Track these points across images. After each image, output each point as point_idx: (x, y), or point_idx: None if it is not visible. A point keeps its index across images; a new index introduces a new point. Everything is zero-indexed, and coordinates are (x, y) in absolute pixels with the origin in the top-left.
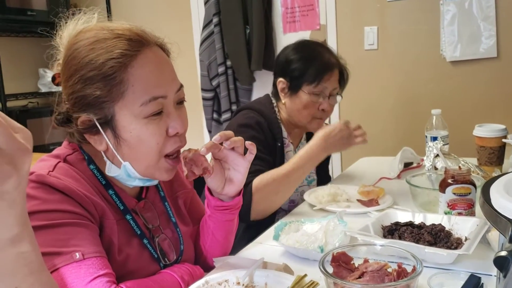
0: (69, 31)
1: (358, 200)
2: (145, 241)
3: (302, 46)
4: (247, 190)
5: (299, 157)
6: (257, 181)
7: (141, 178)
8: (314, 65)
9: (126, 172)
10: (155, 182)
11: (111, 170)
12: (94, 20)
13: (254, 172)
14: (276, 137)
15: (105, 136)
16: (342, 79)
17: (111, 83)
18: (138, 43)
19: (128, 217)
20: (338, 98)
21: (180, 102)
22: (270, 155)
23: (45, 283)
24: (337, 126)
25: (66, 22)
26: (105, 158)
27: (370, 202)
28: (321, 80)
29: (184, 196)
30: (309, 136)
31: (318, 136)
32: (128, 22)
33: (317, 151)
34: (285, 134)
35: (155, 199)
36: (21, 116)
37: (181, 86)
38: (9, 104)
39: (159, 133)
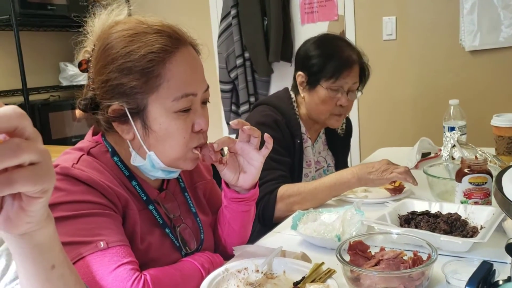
0: (102, 20)
1: (386, 189)
2: (167, 230)
3: (322, 41)
4: (271, 198)
5: (332, 181)
6: (282, 190)
7: (164, 169)
8: (333, 61)
9: (151, 162)
10: (176, 175)
11: (136, 160)
12: (125, 11)
13: (278, 178)
14: (294, 134)
15: (134, 126)
16: (363, 75)
17: (148, 75)
18: (177, 41)
19: (150, 207)
20: (358, 93)
21: (205, 102)
22: (289, 155)
23: (69, 262)
24: (378, 169)
25: (99, 11)
26: (130, 148)
27: (395, 190)
28: (340, 76)
29: (203, 187)
30: (327, 131)
31: (356, 172)
32: (165, 20)
33: (351, 184)
34: (303, 129)
35: (175, 190)
36: (42, 109)
37: (208, 87)
38: (31, 97)
39: (186, 128)
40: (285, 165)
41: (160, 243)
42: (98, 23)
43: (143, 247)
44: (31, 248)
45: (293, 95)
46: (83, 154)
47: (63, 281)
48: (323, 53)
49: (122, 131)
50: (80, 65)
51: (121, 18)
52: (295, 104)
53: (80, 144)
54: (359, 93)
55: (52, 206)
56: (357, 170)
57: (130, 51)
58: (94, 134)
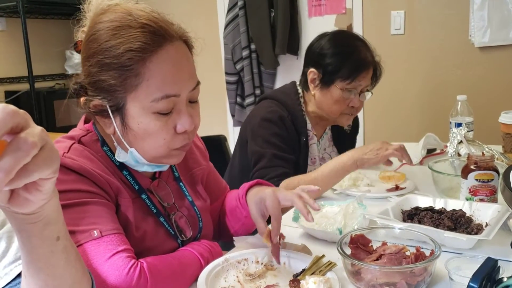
0: (98, 0)
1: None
2: (161, 219)
3: (339, 39)
4: None
5: (329, 169)
6: (283, 184)
7: (149, 164)
8: (350, 62)
9: (134, 158)
10: (165, 168)
11: (120, 156)
12: None
13: (280, 175)
14: (299, 132)
15: (114, 122)
16: (375, 76)
17: (126, 74)
18: (161, 38)
19: (143, 196)
20: (368, 95)
21: (193, 101)
22: (293, 152)
23: (70, 237)
24: (372, 149)
25: None
26: (115, 143)
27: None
28: (356, 78)
29: (200, 173)
30: (334, 127)
31: (352, 154)
32: (156, 11)
33: (347, 168)
34: (309, 126)
35: (168, 178)
36: (48, 97)
37: (197, 84)
38: (37, 85)
39: (166, 129)
40: (289, 162)
41: (154, 231)
42: (93, 3)
43: (139, 235)
44: (40, 221)
45: (300, 91)
46: (74, 143)
47: (65, 254)
48: (340, 52)
49: (104, 124)
50: (76, 46)
51: (115, 1)
52: (302, 100)
53: (71, 133)
54: (369, 94)
55: None
56: (352, 153)
57: (111, 46)
58: (85, 121)
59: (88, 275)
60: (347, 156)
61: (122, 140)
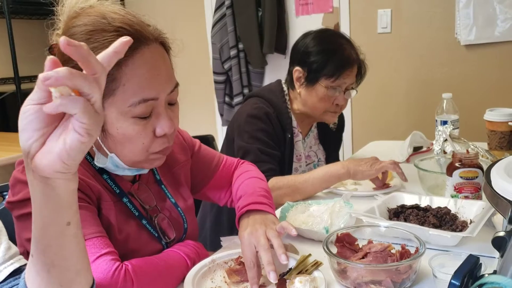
0: (72, 2)
1: (372, 181)
2: (144, 221)
3: (323, 37)
4: None
5: (322, 174)
6: (272, 183)
7: (129, 168)
8: (334, 60)
9: (114, 163)
10: (146, 171)
11: (99, 161)
12: None
13: (267, 171)
14: (285, 128)
15: None
16: (359, 74)
17: None
18: (137, 42)
19: (124, 199)
20: (353, 92)
21: (172, 103)
22: (279, 148)
23: (81, 230)
24: (367, 162)
25: None
26: (94, 148)
27: (382, 187)
28: (340, 76)
29: (181, 171)
30: (320, 125)
31: (346, 164)
32: (130, 12)
33: (340, 176)
34: (294, 123)
35: (149, 180)
36: None
37: (176, 86)
38: (23, 86)
39: (145, 133)
40: (274, 158)
41: (137, 234)
42: (67, 6)
43: (122, 238)
44: (54, 197)
45: (285, 89)
46: None
47: (77, 240)
48: (324, 50)
49: None
50: (51, 50)
51: (89, 3)
52: (287, 98)
53: None
54: (354, 92)
55: (25, 201)
56: (347, 163)
57: None
58: None
59: (91, 272)
60: (342, 164)
61: (102, 145)
